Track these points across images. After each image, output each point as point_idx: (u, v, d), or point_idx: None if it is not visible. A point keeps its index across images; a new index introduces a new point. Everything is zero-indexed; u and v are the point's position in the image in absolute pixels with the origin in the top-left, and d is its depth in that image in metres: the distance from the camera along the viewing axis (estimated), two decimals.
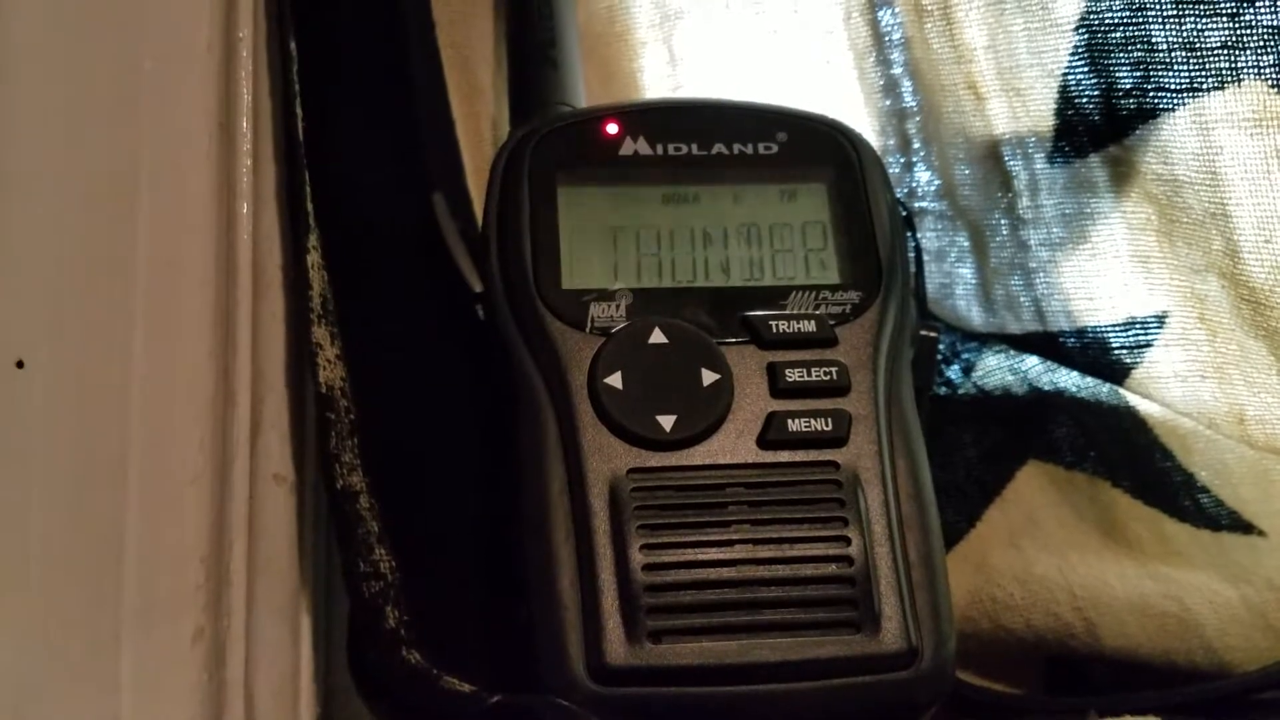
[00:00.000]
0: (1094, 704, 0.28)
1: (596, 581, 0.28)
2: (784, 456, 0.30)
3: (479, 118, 0.39)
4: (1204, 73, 0.31)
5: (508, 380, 0.31)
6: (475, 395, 0.33)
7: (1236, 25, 0.30)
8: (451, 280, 0.33)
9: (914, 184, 0.40)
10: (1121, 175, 0.34)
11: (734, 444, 0.30)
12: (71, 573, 0.28)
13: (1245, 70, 0.31)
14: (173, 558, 0.29)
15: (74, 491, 0.28)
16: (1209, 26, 0.31)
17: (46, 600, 0.28)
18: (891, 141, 0.40)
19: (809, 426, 0.30)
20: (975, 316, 0.40)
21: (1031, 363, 0.38)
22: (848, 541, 0.29)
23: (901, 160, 0.40)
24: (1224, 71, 0.31)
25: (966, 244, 0.40)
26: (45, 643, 0.27)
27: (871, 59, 0.39)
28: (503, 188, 0.33)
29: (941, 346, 0.39)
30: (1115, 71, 0.33)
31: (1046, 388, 0.38)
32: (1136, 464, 0.36)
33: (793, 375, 0.31)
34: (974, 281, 0.40)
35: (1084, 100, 0.34)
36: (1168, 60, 0.32)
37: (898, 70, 0.39)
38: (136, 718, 0.27)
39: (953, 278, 0.41)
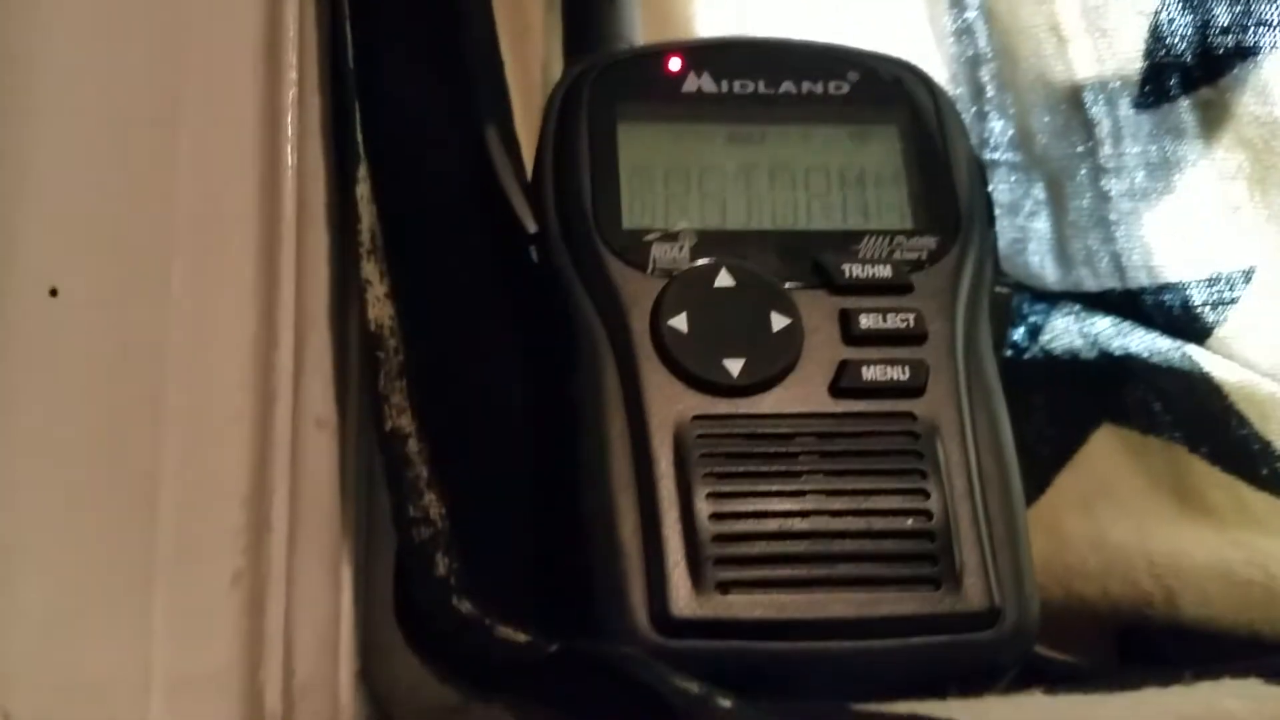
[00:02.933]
0: (1187, 670, 0.26)
1: (660, 530, 0.27)
2: (858, 406, 0.29)
3: (529, 59, 0.38)
4: None
5: (563, 323, 0.30)
6: (528, 338, 0.32)
7: None
8: (504, 219, 0.31)
9: (986, 134, 0.39)
10: (1214, 119, 0.33)
11: (805, 392, 0.29)
12: (105, 510, 0.27)
13: None
14: (212, 498, 0.28)
15: (108, 426, 0.27)
16: None
17: (78, 538, 0.26)
18: (963, 90, 0.39)
19: (884, 375, 0.29)
20: (1049, 273, 0.39)
21: (1103, 325, 0.37)
22: (926, 495, 0.28)
23: (973, 110, 0.39)
24: None
25: (1043, 196, 0.38)
26: (76, 582, 0.26)
27: (944, 3, 0.38)
28: (559, 124, 0.32)
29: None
30: (1212, 8, 0.31)
31: (1117, 352, 0.36)
32: (1213, 430, 0.35)
33: (867, 321, 0.29)
34: (1050, 236, 0.38)
35: (1176, 39, 0.32)
36: None
37: (972, 14, 0.37)
38: (170, 662, 0.26)
39: (1026, 232, 0.39)
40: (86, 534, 0.26)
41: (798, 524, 0.27)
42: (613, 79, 0.33)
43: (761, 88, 0.33)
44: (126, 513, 0.27)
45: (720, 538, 0.27)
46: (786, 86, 0.33)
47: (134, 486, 0.27)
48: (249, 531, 0.28)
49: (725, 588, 0.27)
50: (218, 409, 0.28)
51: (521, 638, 0.27)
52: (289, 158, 0.32)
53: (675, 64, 0.33)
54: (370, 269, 0.30)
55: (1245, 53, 0.31)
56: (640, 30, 0.37)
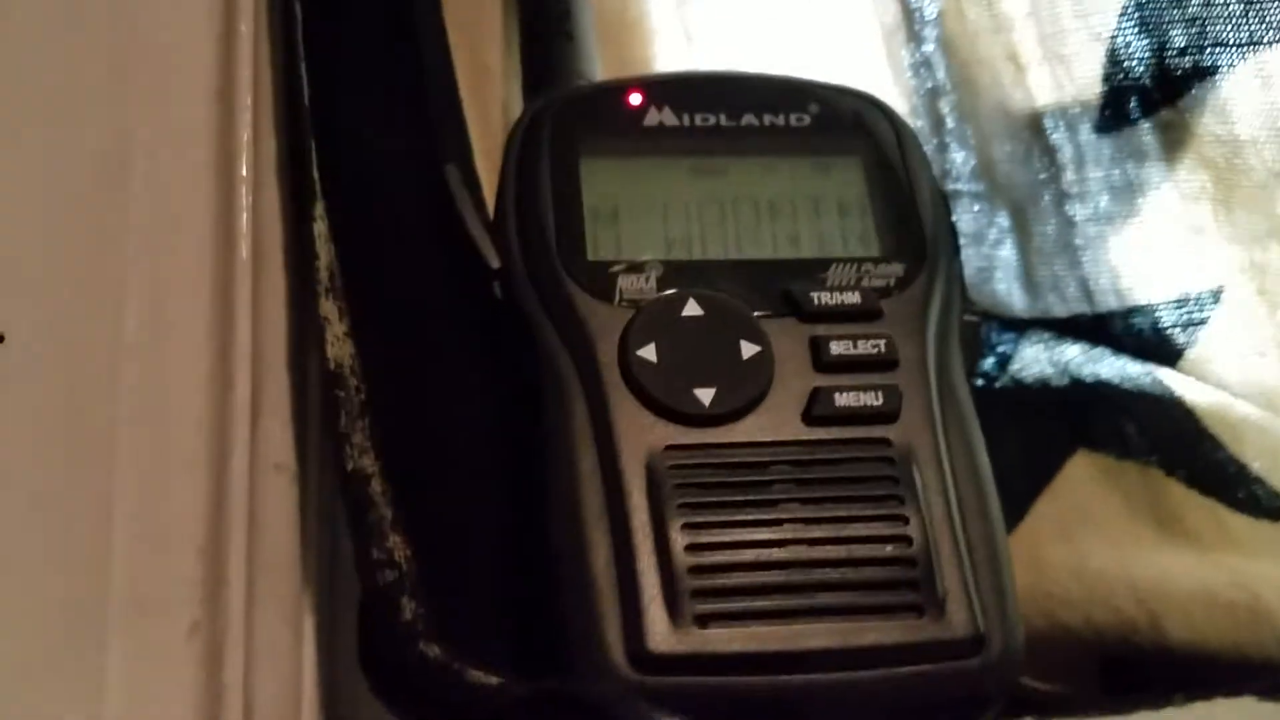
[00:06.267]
0: (1178, 693, 0.26)
1: (635, 563, 0.26)
2: (832, 433, 0.28)
3: (488, 100, 0.38)
4: (1264, 25, 0.30)
5: (530, 358, 0.29)
6: (492, 375, 0.31)
7: None
8: (466, 256, 0.31)
9: (948, 165, 0.39)
10: (1175, 140, 0.33)
11: (778, 420, 0.28)
12: (56, 560, 0.26)
13: None
14: (167, 546, 0.27)
15: (60, 474, 0.26)
16: None
17: (28, 590, 0.25)
18: (923, 122, 0.39)
19: (858, 401, 0.28)
20: (1017, 301, 0.38)
21: (1072, 353, 0.37)
22: (905, 520, 0.27)
23: (934, 142, 0.39)
24: None
25: (1007, 224, 0.38)
26: (26, 636, 0.25)
27: (901, 36, 0.38)
28: (520, 159, 0.32)
29: None
30: (1168, 30, 0.32)
31: (1088, 378, 0.36)
32: (1189, 453, 0.34)
33: (838, 348, 0.29)
34: (1015, 263, 0.38)
35: (1134, 63, 0.33)
36: (1225, 15, 0.30)
37: (930, 47, 0.38)
38: (126, 717, 0.25)
39: (992, 261, 0.39)
40: (39, 585, 0.25)
41: (775, 554, 0.26)
42: (574, 114, 0.32)
43: (723, 120, 0.32)
44: (79, 563, 0.26)
45: (696, 570, 0.26)
46: (748, 119, 0.32)
47: (87, 536, 0.26)
48: (206, 581, 0.27)
49: (703, 621, 0.26)
50: (172, 454, 0.27)
51: (494, 680, 0.26)
52: (244, 198, 0.31)
53: (636, 98, 0.33)
54: (329, 307, 0.30)
55: (1203, 73, 0.32)
56: (599, 67, 0.37)
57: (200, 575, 0.27)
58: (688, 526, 0.27)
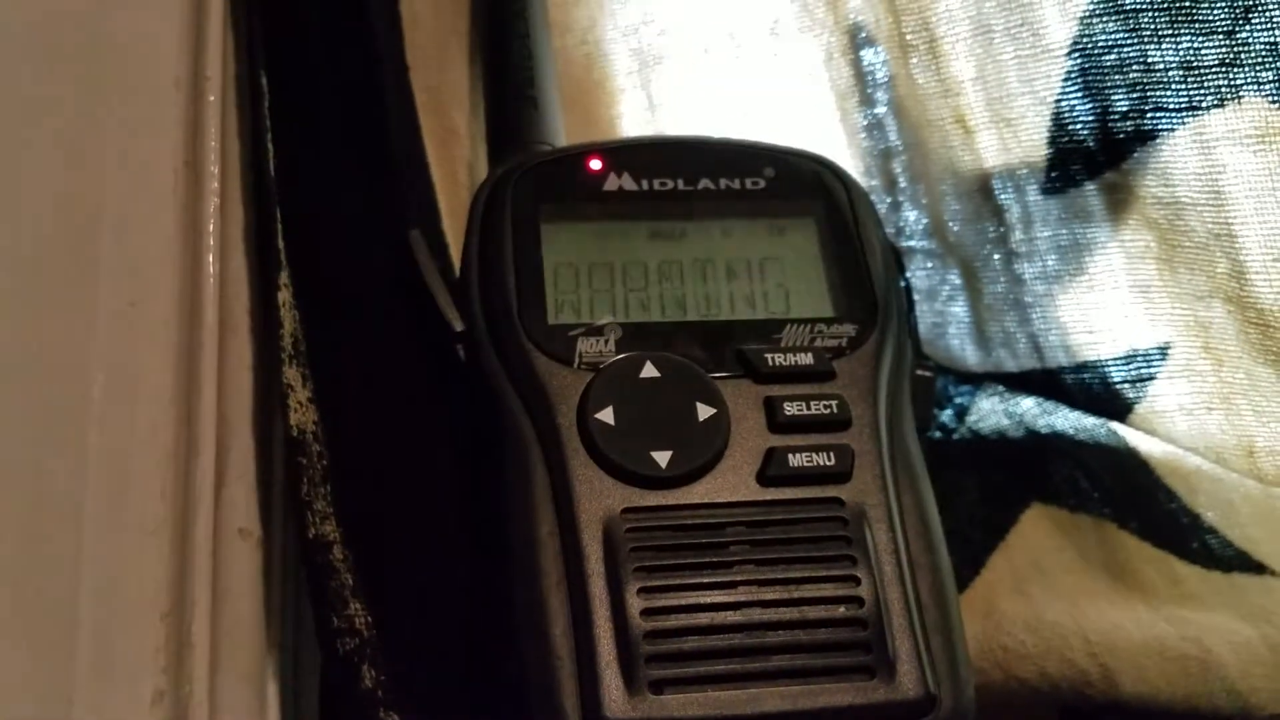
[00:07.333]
0: None
1: (591, 629, 0.27)
2: (786, 493, 0.29)
3: (454, 161, 0.38)
4: (1202, 91, 0.31)
5: (492, 421, 0.30)
6: (456, 439, 0.31)
7: (1233, 42, 0.30)
8: (430, 320, 0.31)
9: (901, 223, 0.39)
10: (1119, 202, 0.34)
11: (733, 481, 0.29)
12: (21, 628, 0.26)
13: (1244, 87, 0.30)
14: (131, 614, 0.27)
15: (26, 541, 0.26)
16: (1205, 44, 0.30)
17: None
18: (876, 182, 0.39)
19: (811, 461, 0.29)
20: (970, 356, 0.39)
21: (1027, 405, 0.37)
22: (857, 581, 0.28)
23: (888, 200, 0.39)
24: (1223, 89, 0.30)
25: (958, 281, 0.39)
26: None
27: (854, 99, 0.39)
28: (483, 224, 0.32)
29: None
30: (1110, 95, 0.32)
31: (1044, 430, 0.37)
32: (1142, 505, 0.35)
33: (791, 409, 0.30)
34: (967, 320, 0.39)
35: (1078, 126, 0.33)
36: (1165, 80, 0.31)
37: (882, 109, 0.38)
38: None
39: (945, 317, 0.40)
40: (2, 652, 0.25)
41: (730, 617, 0.27)
42: (536, 179, 0.33)
43: (681, 185, 0.33)
44: (43, 630, 0.26)
45: (652, 635, 0.27)
46: (705, 183, 0.33)
47: (51, 602, 0.26)
48: (169, 649, 0.27)
49: (659, 686, 0.26)
50: (137, 520, 0.28)
51: None
52: (211, 266, 0.32)
53: (596, 164, 0.33)
54: (292, 374, 0.30)
55: (1145, 136, 0.32)
56: (563, 133, 0.38)
57: (164, 642, 0.27)
58: (644, 591, 0.27)
